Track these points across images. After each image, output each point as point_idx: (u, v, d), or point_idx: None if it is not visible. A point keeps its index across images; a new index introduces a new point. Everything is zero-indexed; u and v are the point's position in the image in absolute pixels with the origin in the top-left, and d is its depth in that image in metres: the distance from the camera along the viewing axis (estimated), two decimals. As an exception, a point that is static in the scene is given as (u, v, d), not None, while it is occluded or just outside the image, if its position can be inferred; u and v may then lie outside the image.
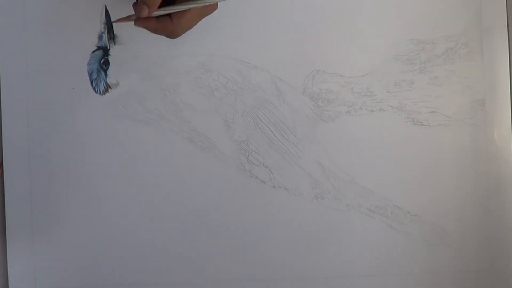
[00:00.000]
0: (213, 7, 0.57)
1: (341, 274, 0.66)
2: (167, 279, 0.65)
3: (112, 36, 0.64)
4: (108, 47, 0.64)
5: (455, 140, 0.66)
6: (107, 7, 0.63)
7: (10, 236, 0.65)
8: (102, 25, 0.64)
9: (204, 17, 0.58)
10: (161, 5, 0.54)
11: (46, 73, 0.64)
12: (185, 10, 0.55)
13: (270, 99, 0.65)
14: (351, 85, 0.66)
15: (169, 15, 0.55)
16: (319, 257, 0.66)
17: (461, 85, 0.66)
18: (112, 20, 0.61)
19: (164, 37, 0.57)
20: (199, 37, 0.63)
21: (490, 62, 0.66)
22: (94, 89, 0.65)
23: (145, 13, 0.53)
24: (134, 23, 0.55)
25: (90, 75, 0.64)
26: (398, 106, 0.66)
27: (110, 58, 0.64)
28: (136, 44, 0.64)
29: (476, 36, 0.66)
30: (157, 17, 0.55)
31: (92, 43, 0.64)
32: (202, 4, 0.54)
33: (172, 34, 0.56)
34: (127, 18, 0.56)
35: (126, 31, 0.64)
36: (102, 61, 0.64)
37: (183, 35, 0.59)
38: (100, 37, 0.64)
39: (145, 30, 0.56)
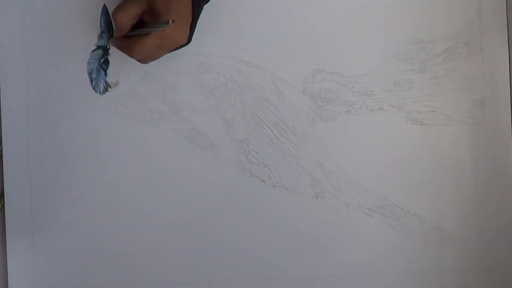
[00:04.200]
0: (175, 39, 0.58)
1: (340, 273, 0.66)
2: (166, 279, 0.65)
3: (112, 36, 0.64)
4: (108, 47, 0.64)
5: (455, 139, 0.66)
6: (107, 7, 0.64)
7: (10, 236, 0.65)
8: (102, 25, 0.64)
9: (168, 47, 0.59)
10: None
11: (46, 73, 0.64)
12: (139, 38, 0.57)
13: (270, 99, 0.65)
14: (351, 84, 0.66)
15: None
16: (318, 256, 0.66)
17: (461, 85, 0.66)
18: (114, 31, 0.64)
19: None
20: (199, 37, 0.63)
21: (490, 62, 0.66)
22: (94, 88, 0.65)
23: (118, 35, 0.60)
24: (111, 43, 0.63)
25: (90, 74, 0.64)
26: (398, 105, 0.66)
27: (110, 58, 0.64)
28: (136, 43, 0.64)
29: (476, 35, 0.66)
30: (124, 38, 0.59)
31: (92, 42, 0.64)
32: (153, 29, 0.56)
33: (130, 54, 0.58)
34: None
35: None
36: (102, 60, 0.64)
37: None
38: (100, 37, 0.64)
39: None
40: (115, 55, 0.64)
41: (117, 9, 0.57)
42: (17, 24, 0.64)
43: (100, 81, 0.65)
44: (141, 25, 0.59)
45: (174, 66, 0.65)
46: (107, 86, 0.65)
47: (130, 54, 0.58)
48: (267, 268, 0.66)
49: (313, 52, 0.65)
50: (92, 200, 0.65)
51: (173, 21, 0.52)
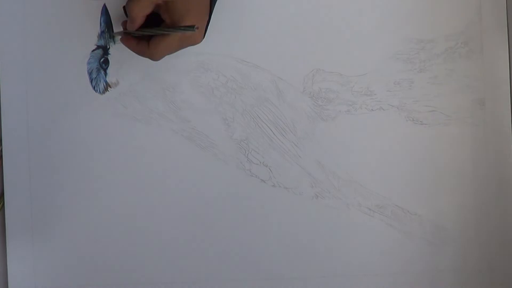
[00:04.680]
0: (192, 40, 0.58)
1: (340, 273, 0.66)
2: (166, 278, 0.65)
3: (111, 35, 0.64)
4: (108, 46, 0.64)
5: (455, 139, 0.66)
6: (107, 6, 0.64)
7: (10, 236, 0.65)
8: (102, 24, 0.64)
9: (183, 47, 0.59)
10: (147, 26, 0.57)
11: (46, 72, 0.65)
12: (162, 38, 0.56)
13: (270, 98, 0.65)
14: (351, 84, 0.66)
15: (148, 40, 0.58)
16: (318, 256, 0.66)
17: (461, 84, 0.66)
18: (114, 31, 0.63)
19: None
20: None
21: (490, 61, 0.66)
22: (94, 88, 0.65)
23: (130, 28, 0.57)
24: (120, 40, 0.60)
25: (90, 74, 0.64)
26: (398, 105, 0.66)
27: (110, 57, 0.64)
28: (136, 43, 0.64)
29: (476, 35, 0.66)
30: (138, 40, 0.58)
31: (92, 42, 0.64)
32: (177, 31, 0.55)
33: (150, 58, 0.58)
34: (120, 33, 0.60)
35: (126, 30, 0.64)
36: (102, 60, 0.64)
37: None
38: (100, 36, 0.64)
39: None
40: (115, 55, 0.64)
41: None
42: (17, 24, 0.64)
43: (100, 81, 0.65)
44: (151, 22, 0.58)
45: (174, 66, 0.65)
46: (107, 86, 0.65)
47: (150, 57, 0.58)
48: (267, 268, 0.66)
49: (313, 52, 0.65)
50: (92, 200, 0.65)
51: (197, 28, 0.53)
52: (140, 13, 0.56)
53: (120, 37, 0.60)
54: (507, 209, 0.66)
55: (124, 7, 0.57)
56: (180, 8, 0.55)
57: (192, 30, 0.53)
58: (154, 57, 0.58)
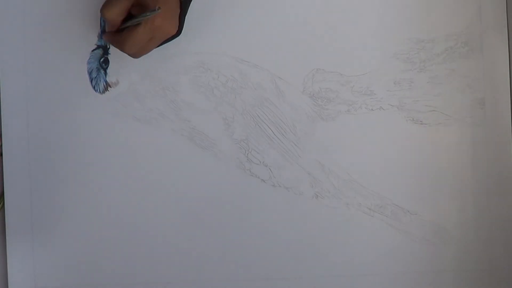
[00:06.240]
0: (165, 30, 0.58)
1: (340, 273, 0.66)
2: (166, 278, 0.65)
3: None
4: (108, 46, 0.64)
5: (455, 139, 0.66)
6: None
7: (10, 236, 0.65)
8: (102, 24, 0.64)
9: (160, 40, 0.58)
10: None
11: (46, 72, 0.65)
12: (132, 29, 0.56)
13: (270, 98, 0.65)
14: (351, 83, 0.66)
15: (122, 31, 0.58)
16: (318, 256, 0.66)
17: (461, 84, 0.66)
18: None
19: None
20: (199, 36, 0.63)
21: (490, 61, 0.66)
22: (94, 87, 0.65)
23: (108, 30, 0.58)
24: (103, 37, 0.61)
25: (90, 73, 0.65)
26: (398, 105, 0.66)
27: (109, 57, 0.64)
28: (136, 43, 0.64)
29: (476, 34, 0.66)
30: (115, 32, 0.58)
31: (92, 41, 0.64)
32: (142, 18, 0.55)
33: (122, 48, 0.58)
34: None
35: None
36: (102, 59, 0.64)
37: (183, 35, 0.60)
38: (100, 36, 0.64)
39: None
40: (115, 54, 0.64)
41: (105, 5, 0.56)
42: (17, 24, 0.64)
43: (100, 81, 0.65)
44: (130, 18, 0.58)
45: (174, 66, 0.65)
46: (107, 86, 0.65)
47: (122, 48, 0.57)
48: (267, 268, 0.66)
49: (313, 52, 0.65)
50: (92, 199, 0.65)
51: (159, 8, 0.52)
52: (116, 18, 0.56)
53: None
54: (507, 209, 0.66)
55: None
56: (148, 1, 0.55)
57: (154, 12, 0.53)
58: (125, 47, 0.57)
